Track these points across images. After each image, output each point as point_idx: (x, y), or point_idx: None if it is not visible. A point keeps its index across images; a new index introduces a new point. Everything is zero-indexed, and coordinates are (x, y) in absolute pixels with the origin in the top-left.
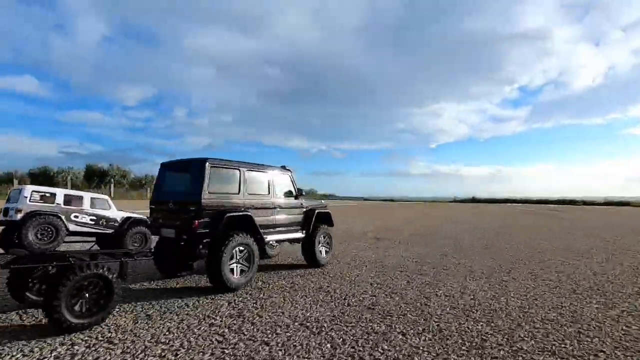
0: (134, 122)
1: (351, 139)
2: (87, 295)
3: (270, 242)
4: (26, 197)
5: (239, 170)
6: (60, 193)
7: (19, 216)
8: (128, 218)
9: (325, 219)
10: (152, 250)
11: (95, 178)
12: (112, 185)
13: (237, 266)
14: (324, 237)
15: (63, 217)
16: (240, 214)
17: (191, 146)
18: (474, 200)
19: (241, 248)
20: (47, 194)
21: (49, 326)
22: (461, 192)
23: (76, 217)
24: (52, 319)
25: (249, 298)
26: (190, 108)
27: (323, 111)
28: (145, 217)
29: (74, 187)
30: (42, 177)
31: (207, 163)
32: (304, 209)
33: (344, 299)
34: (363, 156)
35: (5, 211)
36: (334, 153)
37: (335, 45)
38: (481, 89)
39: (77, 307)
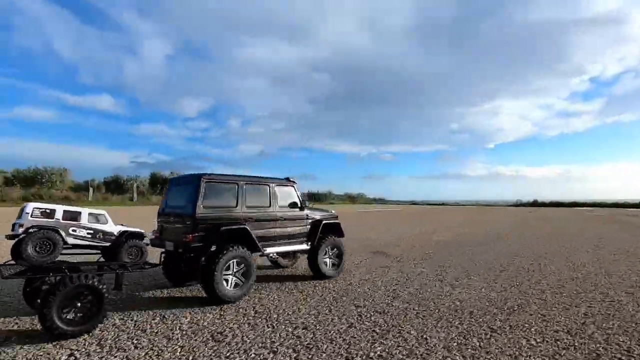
0: (193, 132)
1: (401, 141)
2: (78, 304)
3: (271, 255)
4: (28, 213)
5: (237, 184)
6: (59, 209)
7: (21, 230)
8: (124, 232)
9: (334, 229)
10: (147, 263)
11: (158, 185)
12: None
13: (232, 278)
14: (331, 249)
15: (62, 231)
16: (236, 227)
17: (244, 153)
18: (534, 204)
19: (237, 260)
20: (48, 210)
21: (42, 331)
22: (524, 195)
23: (74, 231)
24: (44, 326)
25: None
26: (244, 117)
27: (372, 114)
28: (141, 231)
29: (139, 193)
30: (114, 184)
31: (202, 179)
32: (310, 220)
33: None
34: (414, 159)
35: (13, 226)
36: (383, 156)
37: (384, 47)
38: (545, 82)
39: (69, 316)
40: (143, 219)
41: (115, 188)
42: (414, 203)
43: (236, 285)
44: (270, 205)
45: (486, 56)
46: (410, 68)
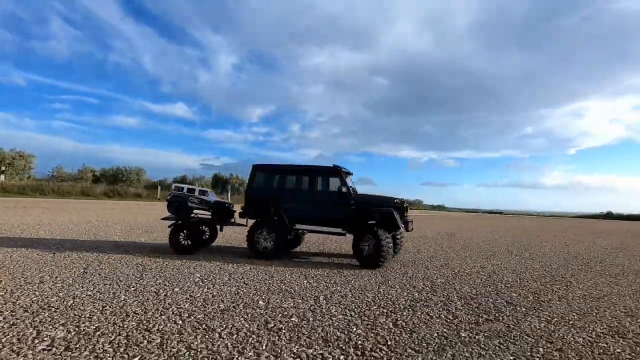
0: (257, 137)
1: (466, 146)
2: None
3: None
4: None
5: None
6: (182, 186)
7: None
8: (217, 202)
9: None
10: (235, 223)
11: (219, 184)
12: (229, 192)
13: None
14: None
15: (187, 200)
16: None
17: (305, 157)
18: (607, 216)
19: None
20: (181, 187)
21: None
22: (611, 207)
23: (191, 200)
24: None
25: None
26: (304, 122)
27: (434, 119)
28: (226, 202)
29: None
30: (181, 184)
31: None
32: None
33: None
34: (481, 165)
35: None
36: (446, 162)
37: (446, 48)
38: None
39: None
40: None
41: None
42: (471, 211)
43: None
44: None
45: (567, 54)
46: (476, 70)
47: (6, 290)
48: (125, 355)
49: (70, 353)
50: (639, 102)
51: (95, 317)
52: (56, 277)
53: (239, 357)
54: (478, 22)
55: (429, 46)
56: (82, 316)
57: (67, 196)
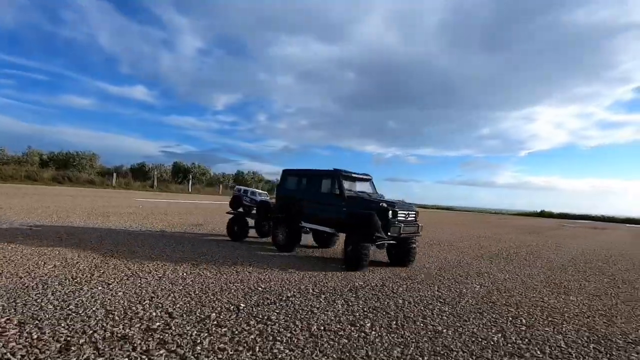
0: (222, 125)
1: (428, 144)
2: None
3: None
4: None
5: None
6: (248, 189)
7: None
8: (261, 201)
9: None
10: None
11: (180, 174)
12: (190, 181)
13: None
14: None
15: (243, 199)
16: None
17: (271, 149)
18: (543, 214)
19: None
20: (245, 190)
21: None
22: (553, 207)
23: (245, 200)
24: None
25: None
26: (272, 113)
27: (400, 115)
28: (268, 200)
29: (162, 181)
30: (139, 171)
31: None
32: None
33: None
34: (441, 163)
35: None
36: (409, 159)
37: (414, 46)
38: (588, 89)
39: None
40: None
41: (139, 174)
42: (423, 207)
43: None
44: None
45: (524, 60)
46: (441, 69)
47: None
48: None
49: None
50: (581, 110)
51: None
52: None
53: None
54: (445, 23)
55: (398, 43)
56: None
57: (9, 180)
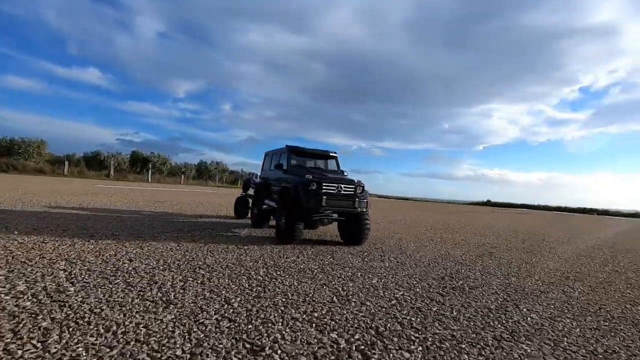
0: (184, 114)
1: (393, 137)
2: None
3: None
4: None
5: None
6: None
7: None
8: (257, 182)
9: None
10: None
11: (138, 164)
12: (150, 172)
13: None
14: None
15: (251, 182)
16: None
17: (236, 138)
18: (487, 203)
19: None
20: (256, 175)
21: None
22: (507, 198)
23: (253, 183)
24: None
25: None
26: (237, 102)
27: (366, 108)
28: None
29: (120, 171)
30: (93, 160)
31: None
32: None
33: None
34: (404, 156)
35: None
36: (374, 151)
37: (381, 41)
38: (538, 89)
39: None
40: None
41: (94, 164)
42: (384, 197)
43: None
44: None
45: (483, 59)
46: (406, 64)
47: None
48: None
49: None
50: (532, 108)
51: None
52: None
53: None
54: (410, 20)
55: (364, 37)
56: None
57: None
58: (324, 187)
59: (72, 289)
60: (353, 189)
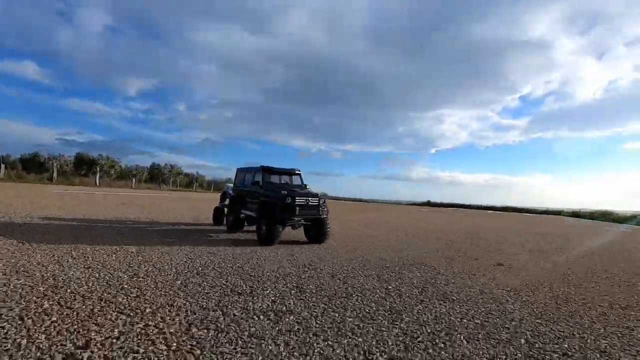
0: (135, 113)
1: (352, 140)
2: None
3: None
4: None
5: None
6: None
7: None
8: (230, 194)
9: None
10: None
11: (84, 166)
12: (97, 175)
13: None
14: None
15: (227, 193)
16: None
17: (191, 140)
18: (428, 203)
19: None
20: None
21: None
22: (456, 199)
23: (228, 194)
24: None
25: None
26: (193, 102)
27: (325, 111)
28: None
29: (63, 174)
30: (32, 162)
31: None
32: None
33: None
34: (363, 158)
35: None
36: (334, 154)
37: (340, 45)
38: (484, 96)
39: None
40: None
41: (32, 166)
42: (340, 199)
43: None
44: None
45: (435, 66)
46: (364, 69)
47: None
48: None
49: None
50: (480, 114)
51: None
52: None
53: None
54: (370, 24)
55: (324, 40)
56: None
57: None
58: (296, 201)
59: None
60: (317, 201)
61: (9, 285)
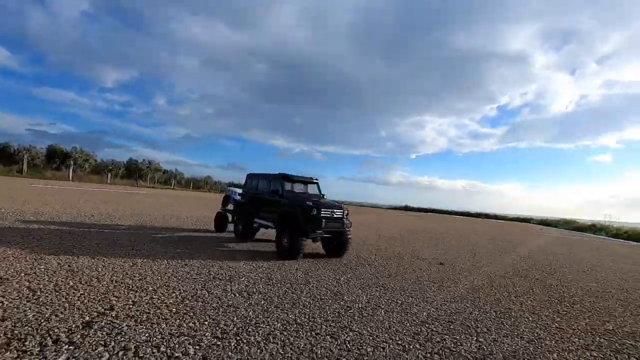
0: (111, 105)
1: (333, 142)
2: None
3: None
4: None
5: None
6: (237, 190)
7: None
8: (237, 200)
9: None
10: None
11: (56, 159)
12: (71, 168)
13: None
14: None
15: (231, 198)
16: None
17: (171, 135)
18: (406, 208)
19: None
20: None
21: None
22: (435, 204)
23: (233, 198)
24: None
25: None
26: (173, 96)
27: (307, 112)
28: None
29: (34, 166)
30: (1, 154)
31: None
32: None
33: None
34: (343, 160)
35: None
36: (315, 155)
37: (324, 47)
38: (463, 104)
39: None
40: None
41: (2, 157)
42: None
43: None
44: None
45: (417, 72)
46: (347, 71)
47: None
48: None
49: None
50: (458, 121)
51: None
52: None
53: None
54: (354, 26)
55: (308, 40)
56: None
57: None
58: (322, 212)
59: None
60: (341, 213)
61: (34, 269)
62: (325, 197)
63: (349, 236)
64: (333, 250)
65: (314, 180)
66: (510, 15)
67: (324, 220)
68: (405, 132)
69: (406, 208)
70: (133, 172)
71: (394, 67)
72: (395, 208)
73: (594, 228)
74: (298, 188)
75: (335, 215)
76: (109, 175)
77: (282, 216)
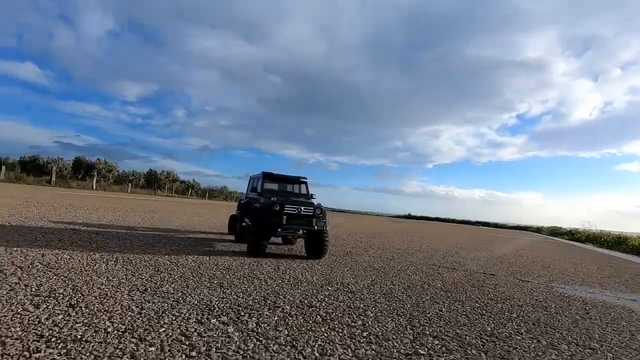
0: (133, 118)
1: (348, 152)
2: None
3: None
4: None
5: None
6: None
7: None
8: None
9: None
10: None
11: (82, 170)
12: (95, 179)
13: None
14: None
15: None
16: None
17: (189, 146)
18: (408, 216)
19: None
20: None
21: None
22: (452, 214)
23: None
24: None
25: None
26: (190, 109)
27: (322, 123)
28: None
29: (61, 177)
30: (31, 165)
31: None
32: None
33: None
34: (358, 171)
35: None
36: (330, 165)
37: (338, 59)
38: (480, 114)
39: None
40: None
41: (32, 169)
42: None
43: None
44: None
45: (432, 83)
46: (361, 84)
47: None
48: None
49: None
50: (476, 131)
51: None
52: None
53: None
54: (366, 40)
55: (321, 53)
56: None
57: None
58: (285, 208)
59: None
60: (312, 211)
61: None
62: (314, 197)
63: (326, 238)
64: (311, 252)
65: (302, 180)
66: (528, 23)
67: (285, 217)
68: (420, 142)
69: (407, 216)
70: (152, 182)
71: (408, 77)
72: (398, 217)
73: (569, 234)
74: (282, 187)
75: (302, 213)
76: (130, 185)
77: (252, 213)
